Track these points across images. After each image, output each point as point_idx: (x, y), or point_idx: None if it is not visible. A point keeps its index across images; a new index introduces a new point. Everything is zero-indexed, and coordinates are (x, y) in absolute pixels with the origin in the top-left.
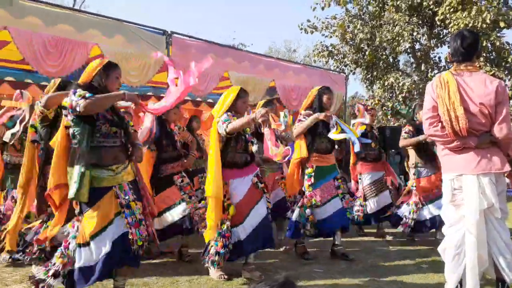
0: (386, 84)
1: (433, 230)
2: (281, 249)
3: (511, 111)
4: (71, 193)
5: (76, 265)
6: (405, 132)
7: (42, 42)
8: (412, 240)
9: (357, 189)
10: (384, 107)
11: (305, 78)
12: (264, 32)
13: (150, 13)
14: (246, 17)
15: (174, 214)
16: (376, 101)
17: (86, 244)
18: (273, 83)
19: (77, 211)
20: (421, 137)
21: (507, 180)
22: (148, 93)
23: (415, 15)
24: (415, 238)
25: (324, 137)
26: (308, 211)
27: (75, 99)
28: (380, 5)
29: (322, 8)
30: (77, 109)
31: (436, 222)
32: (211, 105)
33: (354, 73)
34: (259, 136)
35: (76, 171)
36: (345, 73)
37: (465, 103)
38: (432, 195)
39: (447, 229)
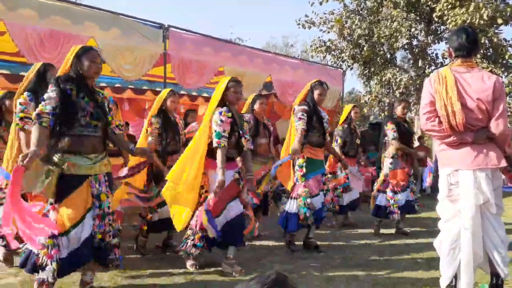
0: (383, 80)
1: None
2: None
3: (508, 107)
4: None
5: (60, 256)
6: (393, 131)
7: (38, 35)
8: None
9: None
10: (381, 103)
11: (302, 73)
12: (262, 27)
13: (147, 6)
14: (244, 12)
15: (166, 211)
16: (373, 97)
17: (66, 233)
18: (270, 78)
19: (51, 200)
20: (421, 154)
21: (503, 176)
22: (144, 87)
23: (413, 11)
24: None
25: (317, 131)
26: (308, 200)
27: (33, 115)
28: (378, 1)
29: (320, 3)
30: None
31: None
32: (207, 99)
33: (351, 69)
34: (258, 130)
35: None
36: (342, 68)
37: (463, 99)
38: (403, 185)
39: (443, 224)
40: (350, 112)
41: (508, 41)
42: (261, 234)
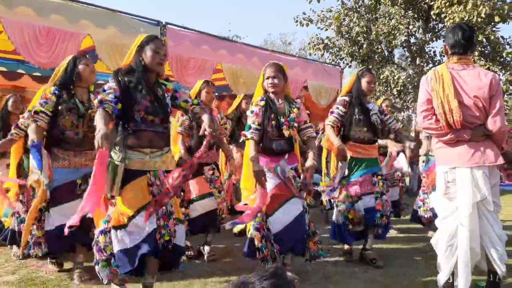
0: (381, 77)
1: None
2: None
3: (505, 105)
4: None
5: (115, 250)
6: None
7: (34, 33)
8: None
9: None
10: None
11: (299, 71)
12: (260, 24)
13: (144, 3)
14: (242, 9)
15: (201, 207)
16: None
17: (123, 226)
18: None
19: (109, 194)
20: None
21: (500, 174)
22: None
23: (411, 8)
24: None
25: (362, 124)
26: (343, 206)
27: (95, 101)
28: None
29: (318, 1)
30: None
31: None
32: None
33: (350, 66)
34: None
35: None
36: (340, 66)
37: (459, 96)
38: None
39: (440, 221)
40: (381, 105)
41: (506, 39)
42: None
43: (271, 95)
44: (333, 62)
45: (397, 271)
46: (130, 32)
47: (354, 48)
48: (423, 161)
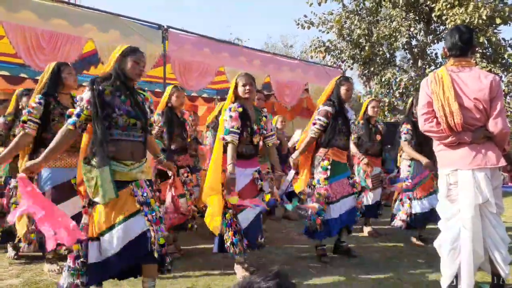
0: (383, 80)
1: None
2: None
3: (507, 107)
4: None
5: (89, 261)
6: (404, 133)
7: (36, 37)
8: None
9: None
10: (380, 103)
11: (301, 73)
12: (261, 27)
13: (146, 7)
14: (243, 12)
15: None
16: (373, 97)
17: (97, 238)
18: (268, 79)
19: (85, 202)
20: (421, 159)
21: (505, 175)
22: (143, 88)
23: (412, 11)
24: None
25: (343, 134)
26: (317, 206)
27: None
28: (377, 1)
29: (319, 4)
30: None
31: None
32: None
33: (352, 69)
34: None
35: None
36: (342, 68)
37: (460, 99)
38: (425, 191)
39: (443, 223)
40: (367, 107)
41: (507, 41)
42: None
43: (245, 102)
44: (334, 65)
45: (400, 274)
46: (132, 36)
47: (355, 50)
48: (409, 165)
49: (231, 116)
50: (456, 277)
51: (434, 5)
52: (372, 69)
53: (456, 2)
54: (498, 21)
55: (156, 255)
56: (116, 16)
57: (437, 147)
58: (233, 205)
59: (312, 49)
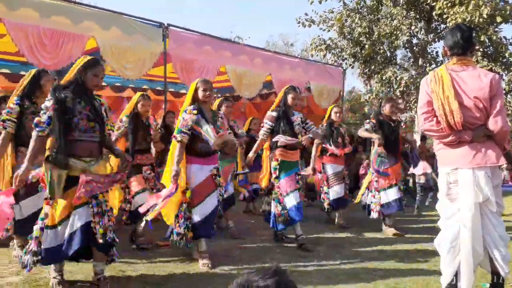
0: (383, 78)
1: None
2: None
3: (505, 105)
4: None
5: (43, 246)
6: (367, 123)
7: (38, 34)
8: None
9: (321, 178)
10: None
11: (302, 72)
12: (262, 25)
13: (149, 8)
14: (244, 11)
15: (140, 199)
16: (374, 95)
17: (54, 227)
18: (270, 77)
19: (46, 194)
20: (374, 137)
21: (505, 173)
22: (144, 86)
23: (413, 9)
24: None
25: (288, 135)
26: (279, 200)
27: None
28: None
29: (320, 2)
30: None
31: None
32: None
33: (352, 67)
34: None
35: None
36: (342, 67)
37: (460, 97)
38: (389, 183)
39: (443, 222)
40: (330, 112)
41: (508, 39)
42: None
43: (202, 105)
44: (335, 63)
45: (400, 272)
46: (133, 34)
47: (356, 49)
48: (374, 160)
49: (184, 118)
50: (456, 275)
51: (434, 3)
52: (372, 67)
53: (457, 1)
54: (499, 19)
55: (100, 241)
56: (117, 14)
57: (437, 146)
58: (188, 200)
59: (313, 47)
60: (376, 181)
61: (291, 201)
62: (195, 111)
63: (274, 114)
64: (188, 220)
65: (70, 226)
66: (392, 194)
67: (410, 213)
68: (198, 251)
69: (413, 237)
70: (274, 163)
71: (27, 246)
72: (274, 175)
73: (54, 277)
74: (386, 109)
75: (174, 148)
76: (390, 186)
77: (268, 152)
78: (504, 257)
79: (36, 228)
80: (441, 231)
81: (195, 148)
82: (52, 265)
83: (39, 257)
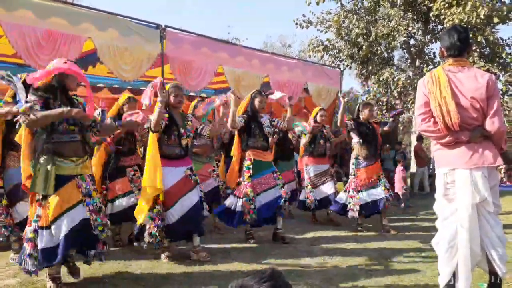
0: (381, 79)
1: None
2: None
3: (502, 105)
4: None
5: (39, 247)
6: (347, 120)
7: (35, 36)
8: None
9: (303, 179)
10: (379, 103)
11: (299, 73)
12: (259, 26)
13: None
14: (241, 12)
15: (124, 202)
16: (372, 96)
17: (48, 227)
18: (267, 79)
19: (37, 196)
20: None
21: (502, 175)
22: (142, 88)
23: (410, 10)
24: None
25: (259, 137)
26: (245, 199)
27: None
28: (375, 0)
29: (317, 3)
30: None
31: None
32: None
33: (350, 68)
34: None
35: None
36: (340, 68)
37: (457, 98)
38: (369, 184)
39: (440, 222)
40: (316, 114)
41: (505, 40)
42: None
43: (173, 110)
44: (333, 64)
45: (398, 273)
46: (130, 35)
47: (353, 50)
48: (353, 163)
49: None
50: (454, 275)
51: (432, 4)
52: (370, 68)
53: (454, 2)
54: (495, 20)
55: (100, 237)
56: (114, 16)
57: (434, 147)
58: (162, 202)
59: (310, 48)
60: (354, 182)
61: (263, 200)
62: (166, 115)
63: (242, 119)
64: (163, 221)
65: (65, 225)
66: (374, 194)
67: (406, 212)
68: (193, 248)
69: (411, 237)
70: (247, 163)
71: (22, 251)
72: (247, 174)
73: (51, 280)
74: (365, 113)
75: (153, 149)
76: (373, 187)
77: (237, 153)
78: (502, 257)
79: (30, 230)
80: (438, 231)
81: (163, 151)
82: (47, 269)
83: (37, 259)
